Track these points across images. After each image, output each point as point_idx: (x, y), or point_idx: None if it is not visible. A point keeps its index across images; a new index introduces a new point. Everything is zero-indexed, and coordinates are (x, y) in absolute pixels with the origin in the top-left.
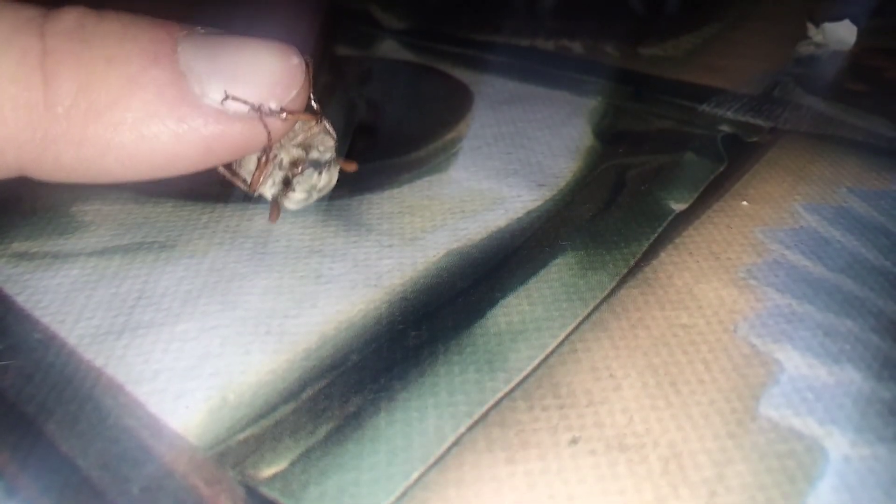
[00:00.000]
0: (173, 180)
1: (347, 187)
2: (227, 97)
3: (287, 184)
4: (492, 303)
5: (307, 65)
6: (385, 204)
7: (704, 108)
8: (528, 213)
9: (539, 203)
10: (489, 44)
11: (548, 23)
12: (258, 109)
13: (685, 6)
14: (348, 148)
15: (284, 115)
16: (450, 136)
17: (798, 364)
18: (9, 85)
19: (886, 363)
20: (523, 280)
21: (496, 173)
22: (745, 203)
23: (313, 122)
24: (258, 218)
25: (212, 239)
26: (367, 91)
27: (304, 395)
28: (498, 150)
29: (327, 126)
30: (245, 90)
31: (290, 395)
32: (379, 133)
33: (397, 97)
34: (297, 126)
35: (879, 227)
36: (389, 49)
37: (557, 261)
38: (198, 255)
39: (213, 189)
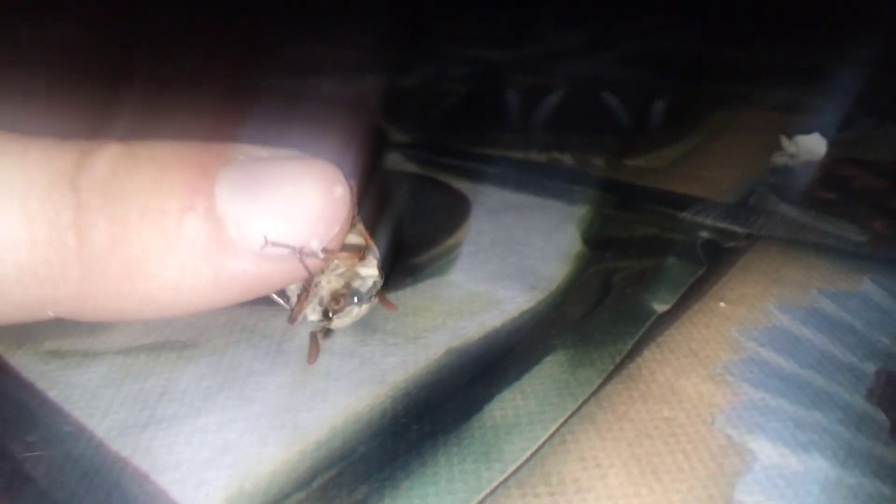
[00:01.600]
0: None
1: None
2: (266, 243)
3: (327, 316)
4: (488, 398)
5: (351, 190)
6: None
7: (685, 215)
8: (522, 313)
9: (532, 304)
10: (486, 156)
11: (540, 137)
12: (299, 251)
13: (668, 120)
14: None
15: (327, 253)
16: (449, 242)
17: (770, 454)
18: (45, 247)
19: (851, 453)
20: (517, 376)
21: (492, 276)
22: (722, 304)
23: (355, 260)
24: (273, 319)
25: (230, 338)
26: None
27: (315, 484)
28: (494, 254)
29: (374, 252)
30: (286, 230)
31: (302, 483)
32: (384, 240)
33: (401, 206)
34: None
35: (847, 326)
36: (394, 161)
37: (549, 358)
38: (217, 354)
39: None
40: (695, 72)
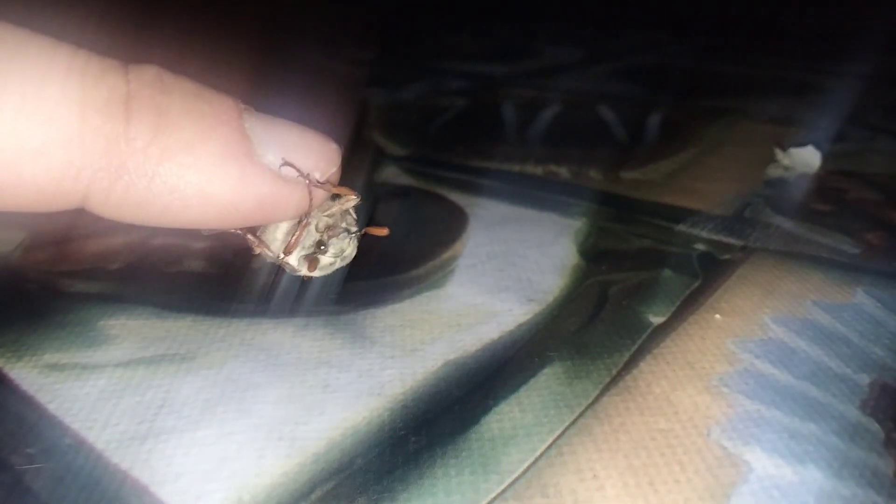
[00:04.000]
0: (193, 296)
1: (353, 303)
2: (284, 163)
3: (321, 246)
4: (486, 410)
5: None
6: (387, 318)
7: (681, 228)
8: (519, 326)
9: (529, 317)
10: (483, 169)
11: (537, 150)
12: (307, 177)
13: (663, 133)
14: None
15: (328, 185)
16: (447, 254)
17: (766, 464)
18: (95, 115)
19: (846, 463)
20: (515, 388)
21: (489, 289)
22: (717, 316)
23: (352, 196)
24: (271, 332)
25: (228, 351)
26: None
27: (314, 496)
28: (491, 267)
29: (352, 207)
30: (296, 157)
31: (300, 495)
32: (382, 252)
33: (399, 219)
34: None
35: (842, 337)
36: (392, 174)
37: (546, 370)
38: (215, 367)
39: (229, 304)
40: (690, 86)
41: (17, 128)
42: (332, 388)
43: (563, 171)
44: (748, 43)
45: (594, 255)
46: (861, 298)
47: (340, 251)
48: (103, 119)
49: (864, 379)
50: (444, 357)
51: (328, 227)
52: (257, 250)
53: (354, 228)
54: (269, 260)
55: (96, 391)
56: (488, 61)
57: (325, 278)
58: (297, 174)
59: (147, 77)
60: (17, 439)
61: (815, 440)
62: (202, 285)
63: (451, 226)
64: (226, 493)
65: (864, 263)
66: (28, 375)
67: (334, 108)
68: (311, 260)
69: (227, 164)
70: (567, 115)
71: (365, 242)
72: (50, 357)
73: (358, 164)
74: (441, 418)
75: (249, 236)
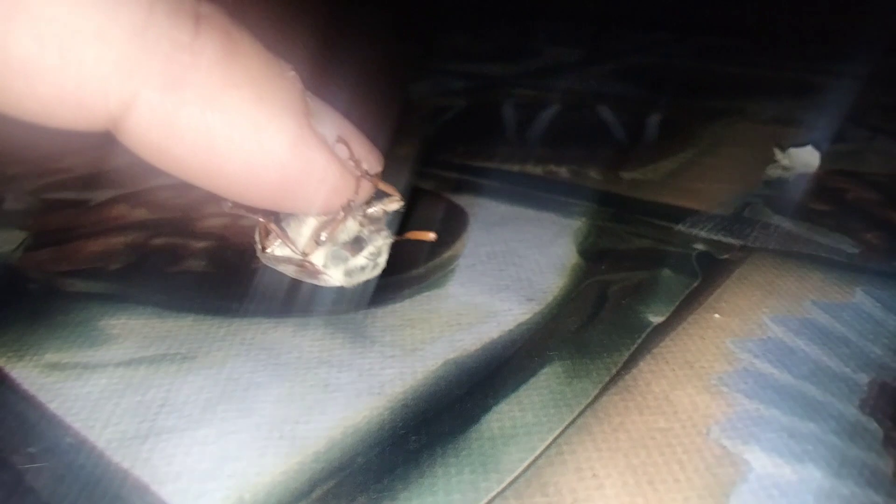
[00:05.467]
0: (194, 295)
1: (354, 302)
2: (339, 140)
3: (359, 242)
4: (485, 409)
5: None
6: (388, 317)
7: (680, 227)
8: (519, 325)
9: (529, 316)
10: (483, 169)
11: (536, 150)
12: (359, 163)
13: (663, 133)
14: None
15: (376, 179)
16: (447, 254)
17: (765, 464)
18: (164, 19)
19: (845, 462)
20: (514, 388)
21: (489, 289)
22: (717, 316)
23: (396, 198)
24: (272, 331)
25: (229, 351)
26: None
27: (314, 495)
28: (491, 267)
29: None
30: (349, 141)
31: (301, 494)
32: None
33: (399, 219)
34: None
35: (841, 336)
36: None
37: (546, 370)
38: (216, 366)
39: (230, 304)
40: (689, 86)
41: (77, 4)
42: (333, 387)
43: (563, 171)
44: (748, 43)
45: (594, 255)
46: (860, 298)
47: (377, 253)
48: (171, 22)
49: (864, 378)
50: (445, 356)
51: (370, 221)
52: (268, 247)
53: (388, 240)
54: (278, 262)
55: (97, 390)
56: (488, 61)
57: (354, 287)
58: (349, 156)
59: (214, 7)
60: (19, 438)
61: (815, 439)
62: (203, 285)
63: (452, 225)
64: (226, 491)
65: (864, 263)
66: (29, 375)
67: (380, 109)
68: (341, 258)
69: (288, 118)
70: (567, 114)
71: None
72: (51, 356)
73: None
74: (441, 417)
75: (272, 225)
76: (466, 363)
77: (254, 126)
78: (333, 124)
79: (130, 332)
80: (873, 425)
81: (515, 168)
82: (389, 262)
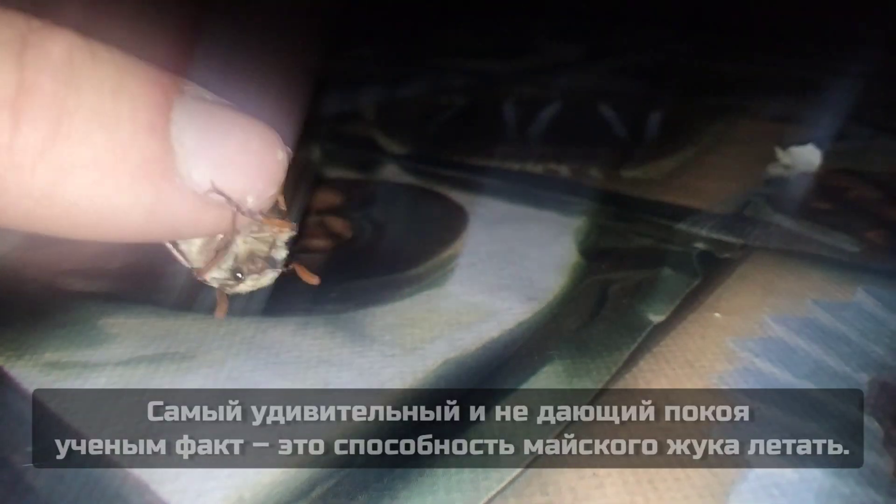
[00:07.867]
0: (193, 294)
1: (354, 301)
2: (212, 188)
3: (238, 274)
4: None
5: (287, 158)
6: (388, 316)
7: (681, 226)
8: (519, 324)
9: (529, 315)
10: (483, 168)
11: (537, 148)
12: (235, 205)
13: (664, 131)
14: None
15: (258, 214)
16: (447, 253)
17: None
18: None
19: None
20: (515, 386)
21: (490, 288)
22: (717, 315)
23: (286, 227)
24: (271, 330)
25: (229, 350)
26: (371, 212)
27: (314, 494)
28: (491, 266)
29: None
30: (229, 178)
31: (301, 493)
32: (382, 251)
33: (399, 218)
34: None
35: (841, 336)
36: (392, 173)
37: (546, 369)
38: (216, 365)
39: (231, 304)
40: (691, 84)
41: None
42: (333, 386)
43: (564, 170)
44: (749, 41)
45: (594, 254)
46: (861, 297)
47: (260, 282)
48: None
49: (864, 377)
50: (445, 356)
51: (251, 255)
52: (172, 256)
53: (281, 258)
54: (185, 267)
55: (97, 389)
56: (489, 58)
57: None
58: (225, 201)
59: (50, 61)
60: (18, 438)
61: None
62: (203, 284)
63: (452, 224)
64: (226, 491)
65: (865, 262)
66: (28, 374)
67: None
68: (224, 286)
69: (140, 187)
70: (567, 112)
71: (363, 242)
72: (50, 356)
73: (295, 186)
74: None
75: (167, 244)
76: (466, 362)
77: (96, 211)
78: (211, 156)
79: (130, 331)
80: (874, 424)
81: (516, 166)
82: (389, 260)
